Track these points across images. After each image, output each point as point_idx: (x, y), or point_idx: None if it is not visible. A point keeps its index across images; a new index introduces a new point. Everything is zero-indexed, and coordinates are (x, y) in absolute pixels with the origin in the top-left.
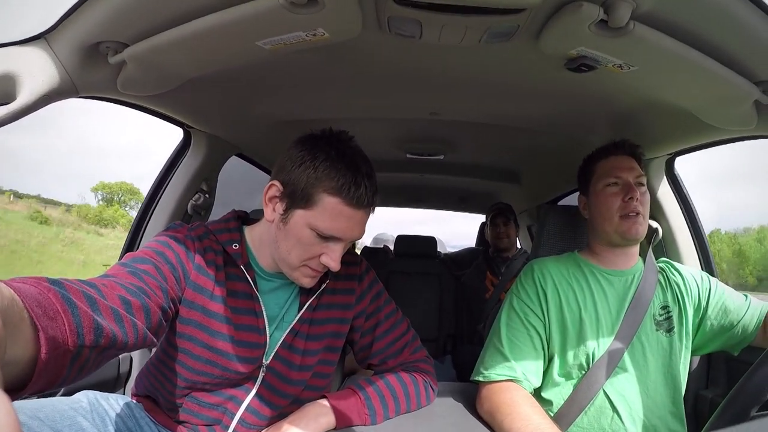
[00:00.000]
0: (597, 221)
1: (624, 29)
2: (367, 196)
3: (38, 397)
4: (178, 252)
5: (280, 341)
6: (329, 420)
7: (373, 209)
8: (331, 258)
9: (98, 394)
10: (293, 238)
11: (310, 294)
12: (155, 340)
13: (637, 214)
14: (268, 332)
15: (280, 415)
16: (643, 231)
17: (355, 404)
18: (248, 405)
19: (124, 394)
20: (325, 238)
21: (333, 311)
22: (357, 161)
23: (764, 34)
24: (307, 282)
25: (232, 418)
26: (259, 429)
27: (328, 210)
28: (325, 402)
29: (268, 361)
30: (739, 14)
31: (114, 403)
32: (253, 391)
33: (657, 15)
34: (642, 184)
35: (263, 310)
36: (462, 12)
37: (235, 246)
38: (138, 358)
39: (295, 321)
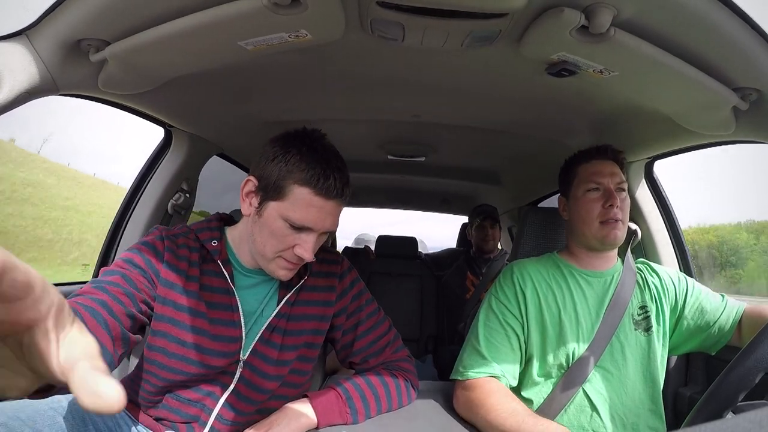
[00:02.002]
0: (576, 225)
1: (605, 35)
2: (337, 187)
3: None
4: (147, 255)
5: (258, 336)
6: (310, 419)
7: (346, 201)
8: (305, 249)
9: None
10: (267, 230)
11: (288, 289)
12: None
13: (617, 220)
14: (243, 327)
15: (258, 411)
16: (622, 236)
17: (336, 403)
18: (225, 401)
19: None
20: (298, 228)
21: (312, 308)
22: (328, 155)
23: (742, 42)
24: (283, 274)
25: (210, 414)
26: (236, 425)
27: (299, 200)
28: (306, 401)
29: (245, 357)
30: (718, 22)
31: None
32: (231, 387)
33: (637, 22)
34: (623, 190)
35: (239, 304)
36: (444, 16)
37: (214, 243)
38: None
39: (272, 316)
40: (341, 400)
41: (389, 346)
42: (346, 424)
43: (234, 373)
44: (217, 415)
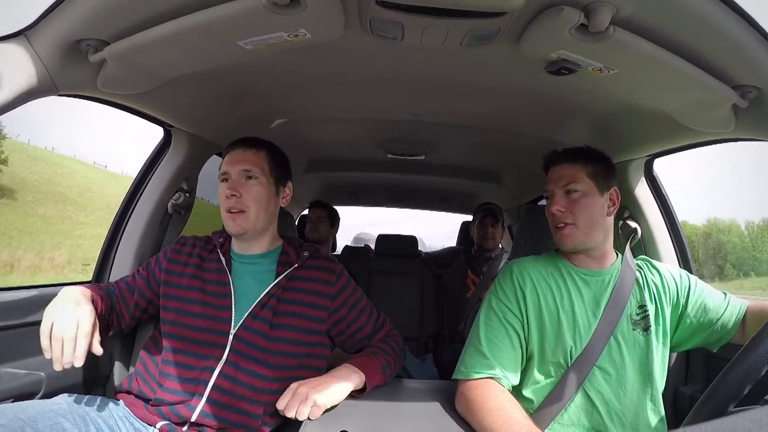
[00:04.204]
0: None
1: (604, 33)
2: (245, 141)
3: (14, 400)
4: (157, 256)
5: (248, 312)
6: (360, 377)
7: (260, 147)
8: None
9: (77, 396)
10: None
11: (279, 274)
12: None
13: (565, 224)
14: (234, 299)
15: (253, 379)
16: (575, 240)
17: (370, 361)
18: (220, 371)
19: (104, 394)
20: (223, 180)
21: (304, 295)
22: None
23: (742, 40)
24: (233, 229)
25: (206, 386)
26: (231, 395)
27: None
28: (347, 365)
29: (235, 330)
30: (717, 20)
31: (93, 403)
32: (224, 358)
33: (637, 20)
34: (574, 191)
35: (231, 282)
36: (443, 15)
37: (221, 239)
38: (118, 360)
39: (262, 295)
40: (372, 359)
41: (386, 324)
42: (384, 383)
43: (226, 346)
44: (214, 385)
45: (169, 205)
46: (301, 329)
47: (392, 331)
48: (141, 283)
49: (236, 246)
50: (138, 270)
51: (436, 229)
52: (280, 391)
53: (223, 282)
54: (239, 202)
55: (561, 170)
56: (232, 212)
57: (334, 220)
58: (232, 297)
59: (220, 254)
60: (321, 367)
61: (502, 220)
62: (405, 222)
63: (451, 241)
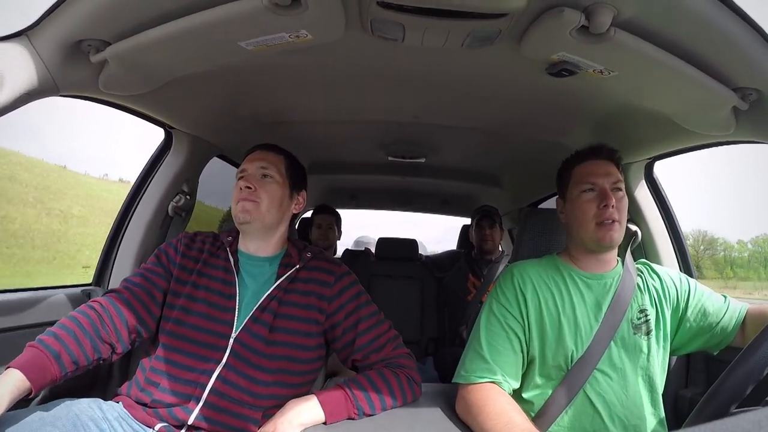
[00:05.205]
0: (573, 227)
1: (605, 35)
2: (265, 145)
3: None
4: (167, 250)
5: (250, 314)
6: (317, 413)
7: (278, 151)
8: (245, 180)
9: (74, 401)
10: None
11: (281, 276)
12: (143, 331)
13: (613, 221)
14: (237, 299)
15: (252, 384)
16: (618, 237)
17: (342, 399)
18: (219, 374)
19: (104, 396)
20: (240, 177)
21: (305, 297)
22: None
23: (742, 42)
24: (241, 214)
25: (204, 389)
26: (229, 399)
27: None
28: (312, 397)
29: (236, 333)
30: (718, 22)
31: (86, 407)
32: (223, 362)
33: (637, 22)
34: (619, 190)
35: (236, 281)
36: (445, 16)
37: (229, 238)
38: (117, 363)
39: (263, 298)
40: (347, 396)
41: (389, 343)
42: (352, 419)
43: (226, 348)
44: (212, 388)
45: (170, 207)
46: (300, 332)
47: (397, 360)
48: (161, 283)
49: (244, 246)
50: (147, 271)
51: (429, 233)
52: (281, 396)
53: (229, 282)
54: (253, 194)
55: (605, 166)
56: (244, 201)
57: (340, 226)
58: (237, 299)
59: (229, 253)
60: (320, 368)
61: (500, 222)
62: (396, 226)
63: (444, 246)
